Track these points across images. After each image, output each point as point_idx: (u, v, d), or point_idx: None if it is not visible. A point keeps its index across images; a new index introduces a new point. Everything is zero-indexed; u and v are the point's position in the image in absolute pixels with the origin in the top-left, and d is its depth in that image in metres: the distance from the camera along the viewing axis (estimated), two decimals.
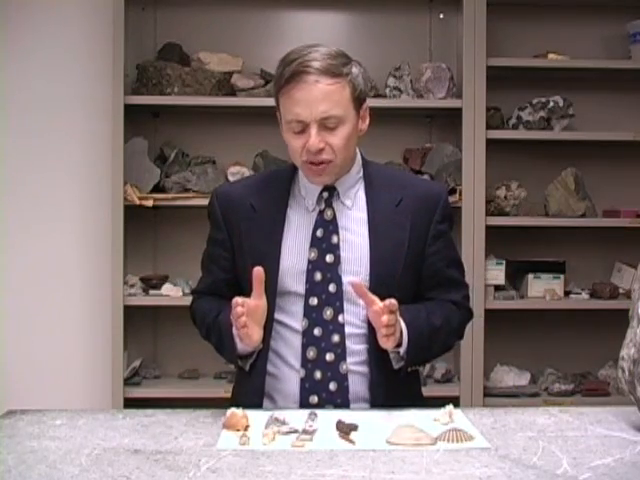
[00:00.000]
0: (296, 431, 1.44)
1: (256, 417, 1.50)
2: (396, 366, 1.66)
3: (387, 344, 1.57)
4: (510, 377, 3.02)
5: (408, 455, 1.33)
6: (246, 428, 1.45)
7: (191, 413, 1.59)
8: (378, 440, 1.40)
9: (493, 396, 2.94)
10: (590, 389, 3.01)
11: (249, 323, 1.57)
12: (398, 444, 1.38)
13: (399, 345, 1.62)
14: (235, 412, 1.47)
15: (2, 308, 3.01)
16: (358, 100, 1.67)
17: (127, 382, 2.87)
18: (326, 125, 1.62)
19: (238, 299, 1.56)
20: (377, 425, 1.49)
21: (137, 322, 3.01)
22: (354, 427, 1.45)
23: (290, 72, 1.61)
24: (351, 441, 1.40)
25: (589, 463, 1.30)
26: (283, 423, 1.46)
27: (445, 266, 1.77)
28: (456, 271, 1.81)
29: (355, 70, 1.68)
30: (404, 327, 1.61)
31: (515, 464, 1.29)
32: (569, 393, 2.99)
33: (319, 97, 1.60)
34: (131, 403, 2.76)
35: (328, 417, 1.52)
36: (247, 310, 1.56)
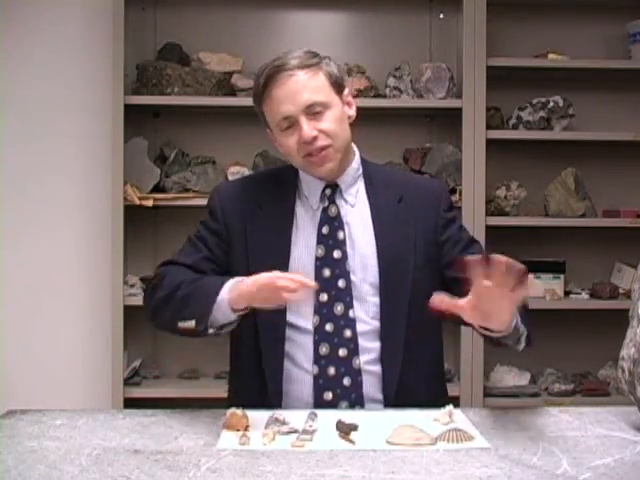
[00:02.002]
0: (296, 431, 1.44)
1: (256, 417, 1.50)
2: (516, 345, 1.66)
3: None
4: (510, 377, 3.01)
5: (408, 455, 1.33)
6: (246, 428, 1.45)
7: (191, 413, 1.59)
8: (378, 440, 1.40)
9: (493, 396, 2.94)
10: (590, 389, 3.01)
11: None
12: (398, 444, 1.38)
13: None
14: (235, 412, 1.47)
15: (2, 308, 3.01)
16: (337, 86, 1.71)
17: (127, 382, 2.87)
18: (312, 113, 1.65)
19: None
20: (377, 425, 1.49)
21: (137, 322, 3.01)
22: (354, 427, 1.45)
23: (265, 77, 1.67)
24: (351, 441, 1.40)
25: (589, 463, 1.30)
26: (283, 423, 1.46)
27: (462, 249, 1.74)
28: (477, 250, 1.75)
29: (326, 60, 1.72)
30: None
31: (515, 464, 1.29)
32: (569, 393, 2.99)
33: (297, 88, 1.65)
34: (131, 403, 2.76)
35: (328, 417, 1.51)
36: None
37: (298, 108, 1.65)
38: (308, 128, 1.64)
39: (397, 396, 1.68)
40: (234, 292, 1.55)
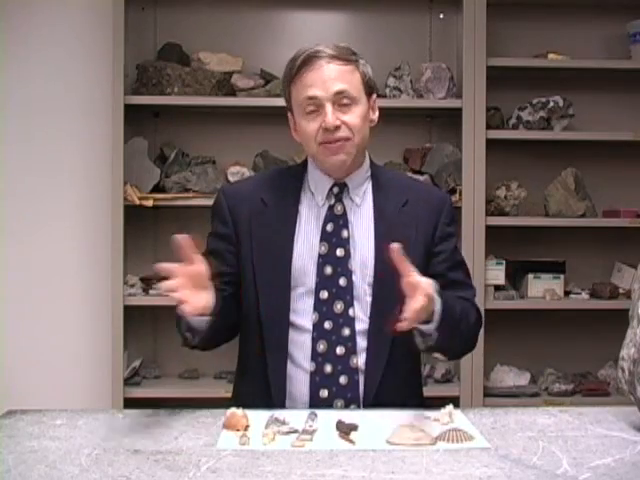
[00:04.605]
0: (296, 431, 1.44)
1: (256, 417, 1.50)
2: (421, 346, 1.58)
3: (403, 326, 1.47)
4: (510, 377, 3.02)
5: (408, 455, 1.33)
6: (246, 428, 1.45)
7: (191, 413, 1.59)
8: (378, 440, 1.40)
9: (493, 396, 2.94)
10: (590, 389, 3.01)
11: (189, 294, 1.55)
12: (398, 444, 1.38)
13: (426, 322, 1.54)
14: (235, 412, 1.47)
15: (2, 308, 3.01)
16: (368, 87, 1.73)
17: (127, 382, 2.87)
18: (340, 103, 1.67)
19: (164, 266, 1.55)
20: (377, 425, 1.49)
21: (137, 322, 3.01)
22: (354, 427, 1.45)
23: (301, 60, 1.67)
24: (351, 441, 1.40)
25: (589, 463, 1.30)
26: (283, 423, 1.46)
27: (449, 268, 1.77)
28: (462, 273, 1.81)
29: (362, 60, 1.74)
30: (438, 303, 1.54)
31: (515, 464, 1.29)
32: (569, 393, 2.99)
33: (332, 75, 1.66)
34: (131, 403, 2.76)
35: (328, 417, 1.52)
36: (184, 280, 1.57)
37: (327, 94, 1.66)
38: (333, 116, 1.66)
39: (377, 393, 1.68)
40: None
